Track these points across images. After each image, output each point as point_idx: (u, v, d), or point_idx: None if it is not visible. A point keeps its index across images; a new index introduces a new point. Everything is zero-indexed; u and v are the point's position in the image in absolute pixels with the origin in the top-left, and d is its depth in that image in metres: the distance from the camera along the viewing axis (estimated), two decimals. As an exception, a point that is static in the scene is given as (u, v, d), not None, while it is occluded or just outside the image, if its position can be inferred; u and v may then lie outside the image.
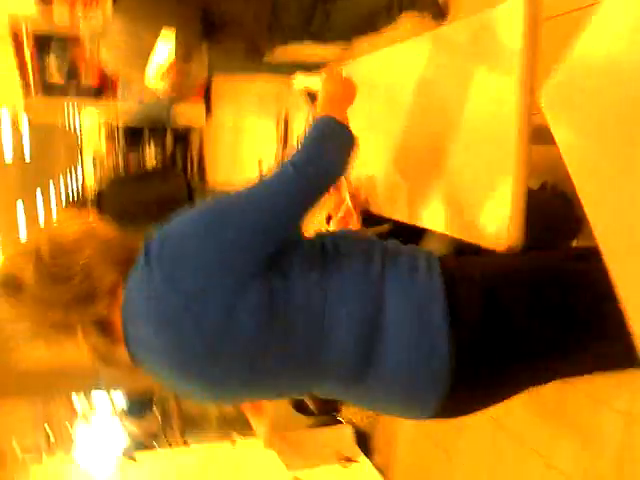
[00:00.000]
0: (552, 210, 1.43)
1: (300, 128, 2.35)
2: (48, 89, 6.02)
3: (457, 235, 1.39)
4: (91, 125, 10.29)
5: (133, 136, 9.62)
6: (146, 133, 9.41)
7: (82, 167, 10.70)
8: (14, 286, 1.09)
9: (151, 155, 9.27)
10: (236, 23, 2.81)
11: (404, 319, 1.09)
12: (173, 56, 2.76)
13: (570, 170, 0.94)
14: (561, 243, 1.65)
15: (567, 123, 0.95)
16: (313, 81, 1.48)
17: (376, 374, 1.13)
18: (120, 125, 9.55)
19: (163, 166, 4.65)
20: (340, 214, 1.55)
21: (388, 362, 1.11)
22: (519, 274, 1.18)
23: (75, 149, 10.24)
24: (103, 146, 10.29)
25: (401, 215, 1.59)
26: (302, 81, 1.53)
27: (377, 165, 1.68)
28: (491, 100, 1.26)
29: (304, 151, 1.19)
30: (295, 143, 2.23)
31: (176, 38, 2.73)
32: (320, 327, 1.10)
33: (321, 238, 1.22)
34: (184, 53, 2.80)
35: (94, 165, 10.47)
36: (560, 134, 0.96)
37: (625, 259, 0.85)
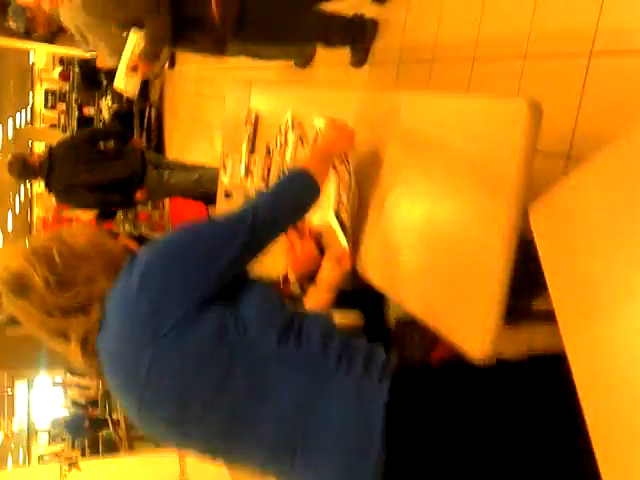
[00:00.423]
0: (519, 268, 1.37)
1: (270, 135, 2.23)
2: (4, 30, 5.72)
3: (430, 324, 1.32)
4: (45, 62, 9.79)
5: (89, 78, 9.17)
6: (102, 75, 8.97)
7: (33, 105, 10.20)
8: (22, 286, 1.10)
9: (107, 100, 8.87)
10: (207, 21, 2.64)
11: (340, 420, 1.07)
12: (141, 53, 2.58)
13: (548, 282, 1.01)
14: (523, 303, 1.61)
15: (551, 239, 1.02)
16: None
17: (303, 462, 1.09)
18: (76, 62, 9.10)
19: (119, 142, 4.34)
20: (337, 254, 1.55)
21: (317, 456, 1.08)
22: (476, 399, 1.09)
23: (27, 85, 9.72)
24: (57, 84, 9.82)
25: (379, 282, 1.50)
26: (317, 122, 1.66)
27: (366, 219, 1.60)
28: (480, 212, 1.18)
29: (269, 201, 1.27)
30: (264, 152, 2.23)
31: (146, 37, 2.54)
32: (257, 388, 1.08)
33: (295, 312, 1.21)
34: (153, 53, 2.62)
35: (46, 104, 9.98)
36: (542, 245, 1.03)
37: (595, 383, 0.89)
